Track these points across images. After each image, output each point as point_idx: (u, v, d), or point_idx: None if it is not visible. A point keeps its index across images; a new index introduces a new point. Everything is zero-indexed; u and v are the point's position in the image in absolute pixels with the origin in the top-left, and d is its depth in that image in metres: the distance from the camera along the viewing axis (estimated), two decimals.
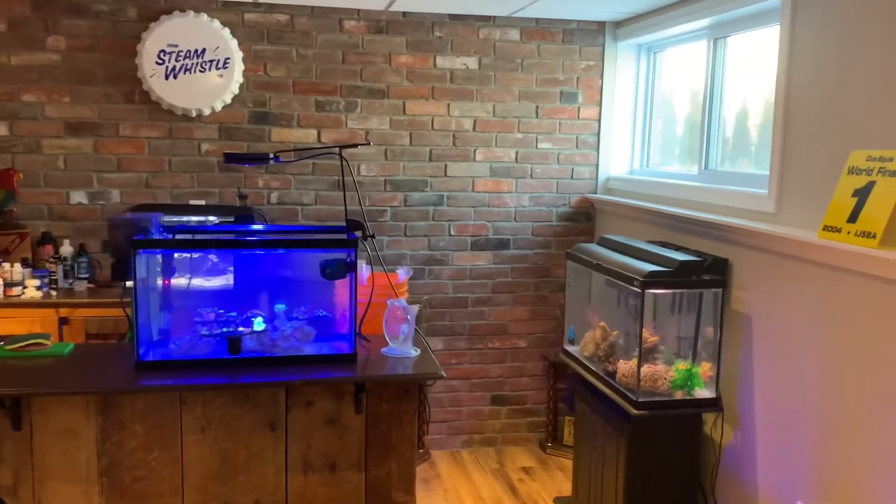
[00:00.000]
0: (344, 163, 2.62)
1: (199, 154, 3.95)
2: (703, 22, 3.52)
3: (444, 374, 2.36)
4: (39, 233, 3.80)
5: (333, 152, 2.66)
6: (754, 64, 3.35)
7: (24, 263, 3.64)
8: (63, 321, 3.50)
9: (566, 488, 3.89)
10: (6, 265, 3.56)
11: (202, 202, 3.95)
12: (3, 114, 3.76)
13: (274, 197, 4.03)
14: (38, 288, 3.58)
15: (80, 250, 3.78)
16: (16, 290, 3.53)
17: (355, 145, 2.66)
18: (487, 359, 4.37)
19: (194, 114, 3.89)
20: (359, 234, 2.38)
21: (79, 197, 3.88)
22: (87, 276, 3.76)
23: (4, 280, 3.52)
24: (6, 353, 2.40)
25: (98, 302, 3.53)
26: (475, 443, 4.42)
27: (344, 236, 2.40)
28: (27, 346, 2.42)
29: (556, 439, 4.40)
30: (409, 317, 2.39)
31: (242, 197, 3.93)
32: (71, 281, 3.74)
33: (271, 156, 2.49)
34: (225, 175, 3.98)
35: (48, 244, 3.76)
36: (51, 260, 3.69)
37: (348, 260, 2.33)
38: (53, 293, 3.62)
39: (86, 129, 3.84)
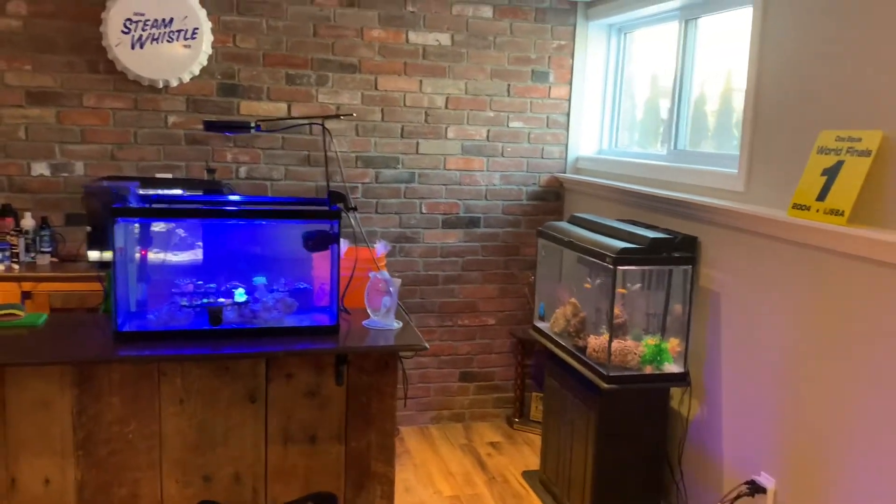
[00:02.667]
0: (325, 136, 2.59)
1: (166, 126, 3.87)
2: (675, 3, 3.57)
3: (427, 346, 2.37)
4: None
5: (317, 123, 2.64)
6: (725, 45, 3.41)
7: None
8: (26, 295, 3.42)
9: (534, 462, 3.95)
10: None
11: (169, 175, 3.88)
12: None
13: (242, 171, 3.98)
14: (0, 261, 3.48)
15: (43, 223, 3.68)
16: None
17: (338, 116, 2.64)
18: (457, 336, 4.39)
19: (161, 85, 3.81)
20: (341, 205, 2.36)
21: (41, 168, 3.78)
22: (49, 249, 3.67)
23: None
24: None
25: (62, 276, 3.45)
26: (444, 419, 4.45)
27: (325, 208, 2.38)
28: (0, 316, 2.36)
29: (524, 415, 4.46)
30: (391, 289, 2.40)
31: (210, 171, 3.87)
32: (33, 255, 3.64)
33: (252, 125, 2.46)
34: (192, 148, 3.91)
35: (8, 217, 3.65)
36: (12, 233, 3.59)
37: (331, 231, 2.32)
38: (15, 267, 3.53)
39: (48, 99, 3.73)
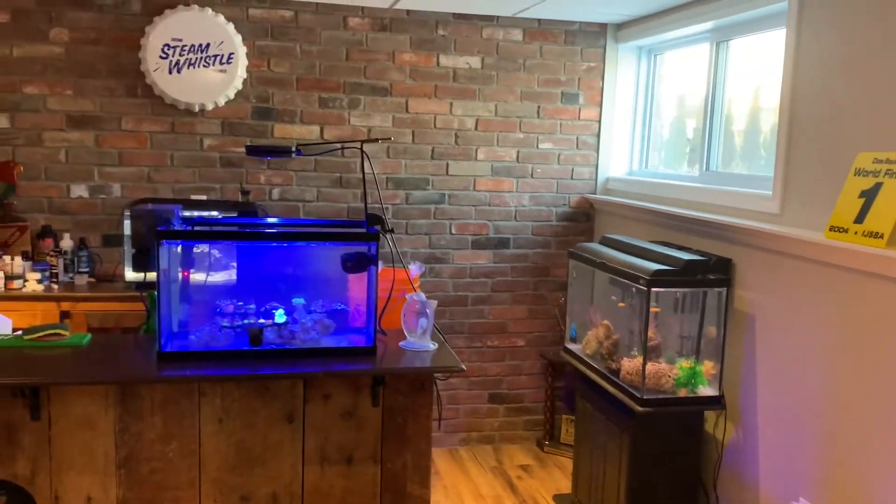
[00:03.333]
0: (363, 159, 2.63)
1: (202, 149, 3.94)
2: (706, 25, 3.58)
3: (464, 368, 2.38)
4: (39, 226, 3.77)
5: (355, 147, 2.67)
6: (756, 66, 3.41)
7: (24, 257, 3.61)
8: (64, 315, 3.47)
9: (565, 486, 3.93)
10: (6, 258, 3.52)
11: (204, 197, 3.94)
12: (4, 106, 3.72)
13: (276, 193, 4.03)
14: (39, 281, 3.55)
15: (81, 244, 3.75)
16: (17, 284, 3.50)
17: (376, 140, 2.68)
18: (486, 357, 4.39)
19: (197, 108, 3.88)
20: (379, 228, 2.39)
21: (79, 190, 3.85)
22: (87, 270, 3.73)
23: (5, 273, 3.48)
24: (24, 342, 2.38)
25: (100, 296, 3.51)
26: (473, 441, 4.44)
27: (363, 230, 2.41)
28: (45, 336, 2.40)
29: (554, 438, 4.44)
30: (427, 310, 2.41)
31: (245, 192, 3.92)
32: (71, 275, 3.71)
33: (293, 149, 2.50)
34: (226, 171, 3.97)
35: (48, 238, 3.73)
36: (51, 253, 3.66)
37: (369, 253, 2.34)
38: (55, 287, 3.59)
39: (88, 123, 3.82)
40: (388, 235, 2.44)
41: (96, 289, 3.61)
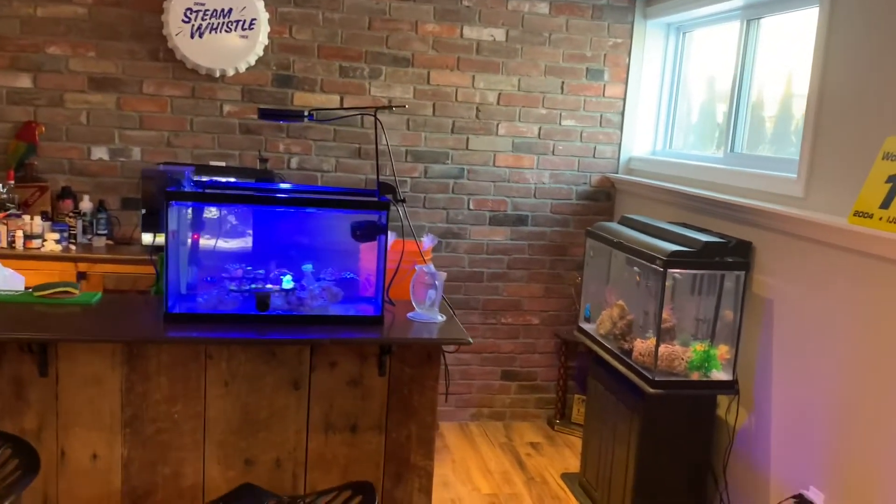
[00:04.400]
0: (377, 127, 2.60)
1: (221, 115, 3.93)
2: (738, 2, 3.49)
3: (471, 341, 2.36)
4: (59, 187, 3.79)
5: (369, 114, 2.65)
6: (787, 46, 3.32)
7: (44, 217, 3.63)
8: (81, 276, 3.50)
9: (574, 465, 3.91)
10: (26, 217, 3.55)
11: (223, 164, 3.94)
12: (27, 66, 3.73)
13: (294, 162, 4.02)
14: (58, 241, 3.57)
15: (100, 206, 3.77)
16: (35, 243, 3.53)
17: (390, 108, 2.64)
18: (500, 334, 4.37)
19: (218, 74, 3.87)
20: (390, 197, 2.36)
21: (100, 153, 3.87)
22: (105, 232, 3.76)
23: (24, 232, 3.51)
24: (34, 298, 2.40)
25: (117, 258, 3.53)
26: (484, 416, 4.44)
27: (374, 199, 2.38)
28: (55, 293, 2.42)
29: (565, 416, 4.42)
30: (436, 282, 2.39)
31: (263, 160, 3.91)
32: (90, 236, 3.73)
33: (306, 113, 2.48)
34: (246, 138, 3.96)
35: (68, 199, 3.75)
36: (70, 214, 3.69)
37: (379, 222, 2.32)
38: (72, 247, 3.62)
39: (109, 85, 3.82)
40: (400, 205, 2.41)
41: (113, 251, 3.63)
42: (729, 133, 3.61)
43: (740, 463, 3.11)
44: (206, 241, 2.46)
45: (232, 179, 3.62)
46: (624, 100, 4.28)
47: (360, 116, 3.97)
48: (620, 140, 4.32)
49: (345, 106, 3.97)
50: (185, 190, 2.29)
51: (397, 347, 2.40)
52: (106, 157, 3.87)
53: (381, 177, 2.63)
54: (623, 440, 3.24)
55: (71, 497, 2.33)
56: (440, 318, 2.48)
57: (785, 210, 2.88)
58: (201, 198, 2.32)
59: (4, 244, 3.49)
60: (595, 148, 4.31)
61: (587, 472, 3.62)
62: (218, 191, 2.41)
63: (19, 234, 3.50)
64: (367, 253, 2.48)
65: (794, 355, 2.83)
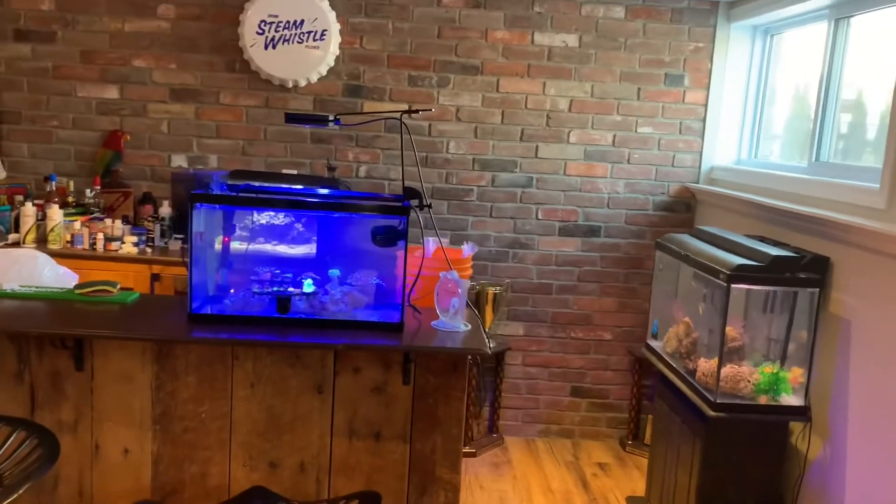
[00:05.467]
0: (402, 130, 2.58)
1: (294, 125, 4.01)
2: (826, 0, 3.23)
3: (489, 351, 2.27)
4: (141, 193, 3.98)
5: (394, 118, 2.62)
6: (878, 48, 3.04)
7: (125, 220, 3.82)
8: (155, 277, 3.65)
9: (641, 488, 3.71)
10: (108, 221, 3.74)
11: (294, 172, 4.02)
12: (115, 78, 3.95)
13: (362, 171, 4.05)
14: (136, 244, 3.74)
15: (178, 212, 3.92)
16: (115, 245, 3.71)
17: (417, 111, 2.60)
18: (569, 348, 4.22)
19: (290, 84, 3.95)
20: (414, 203, 2.32)
21: (179, 160, 4.04)
22: (182, 236, 3.90)
23: (105, 235, 3.70)
24: (74, 296, 2.51)
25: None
26: (552, 433, 4.29)
27: (395, 204, 2.35)
28: (94, 291, 2.52)
29: (637, 437, 4.21)
30: (460, 290, 2.32)
31: (331, 169, 3.96)
32: (166, 240, 3.89)
33: (331, 118, 2.48)
34: (317, 146, 4.03)
35: (148, 204, 3.94)
36: (149, 219, 3.86)
37: (399, 227, 2.28)
38: (149, 250, 3.78)
39: (189, 96, 3.99)
40: (425, 210, 2.36)
41: (187, 254, 3.76)
42: (814, 140, 3.34)
43: (813, 496, 2.85)
44: (236, 244, 2.50)
45: (299, 186, 3.68)
46: (706, 106, 4.06)
47: (427, 125, 3.96)
48: (702, 148, 4.10)
49: (414, 116, 3.96)
50: (212, 192, 2.34)
51: (421, 356, 2.35)
52: (185, 164, 4.03)
53: (404, 179, 2.59)
54: (686, 464, 3.04)
55: (104, 489, 2.41)
56: (464, 326, 2.41)
57: (862, 223, 2.62)
58: (225, 200, 2.36)
59: (87, 246, 3.70)
60: (674, 156, 4.11)
61: (651, 497, 3.42)
62: (253, 195, 2.44)
63: (100, 236, 3.69)
64: (394, 258, 2.45)
65: (874, 380, 2.56)
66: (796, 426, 2.96)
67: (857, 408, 2.65)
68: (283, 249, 2.48)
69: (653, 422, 3.53)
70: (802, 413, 2.85)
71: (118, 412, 2.38)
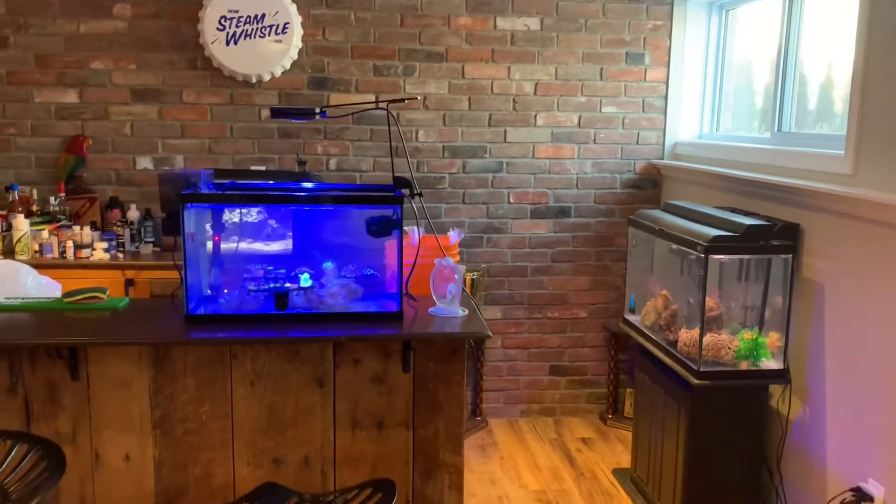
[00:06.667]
0: (389, 119, 2.58)
1: (259, 120, 3.98)
2: None
3: (490, 334, 2.31)
4: (108, 197, 3.90)
5: (381, 109, 2.62)
6: (831, 20, 3.15)
7: (93, 227, 3.75)
8: (129, 282, 3.60)
9: (625, 460, 3.81)
10: (76, 228, 3.67)
11: (262, 168, 3.99)
12: (73, 81, 3.86)
13: (332, 163, 4.04)
14: (106, 250, 3.68)
15: (146, 215, 3.87)
16: (85, 252, 3.64)
17: (403, 100, 2.61)
18: (546, 328, 4.29)
19: (255, 80, 3.91)
20: (406, 192, 2.33)
21: (144, 162, 3.97)
22: (152, 239, 3.85)
23: (75, 242, 3.63)
24: (64, 305, 2.47)
25: (162, 264, 3.60)
26: (533, 412, 4.36)
27: (388, 194, 2.36)
28: (84, 298, 2.48)
29: (617, 411, 4.31)
30: (456, 276, 2.35)
31: (301, 163, 3.94)
32: (137, 244, 3.83)
33: (317, 110, 2.47)
34: (284, 141, 4.00)
35: (115, 208, 3.86)
36: (118, 224, 3.79)
37: (394, 217, 2.30)
38: (120, 256, 3.72)
39: (151, 96, 3.91)
40: (416, 199, 2.38)
41: (159, 258, 3.72)
42: (775, 112, 3.45)
43: (796, 455, 2.97)
44: (227, 243, 2.48)
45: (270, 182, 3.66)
46: (667, 83, 4.15)
47: (396, 115, 3.96)
48: (665, 125, 4.19)
49: (381, 105, 3.95)
50: (201, 192, 2.32)
51: (420, 343, 2.37)
52: (150, 166, 3.97)
53: (394, 168, 2.60)
54: (671, 433, 3.13)
55: (107, 499, 2.38)
56: (461, 312, 2.44)
57: (831, 188, 2.73)
58: (216, 199, 2.34)
59: (56, 255, 3.62)
60: (638, 134, 4.19)
61: (638, 467, 3.51)
62: (239, 192, 2.42)
63: (69, 244, 3.62)
64: (387, 249, 2.46)
65: (849, 341, 2.68)
66: (776, 389, 3.07)
67: (833, 367, 2.77)
68: (275, 246, 2.47)
69: (634, 394, 3.62)
70: (782, 376, 2.96)
71: (117, 419, 2.35)
